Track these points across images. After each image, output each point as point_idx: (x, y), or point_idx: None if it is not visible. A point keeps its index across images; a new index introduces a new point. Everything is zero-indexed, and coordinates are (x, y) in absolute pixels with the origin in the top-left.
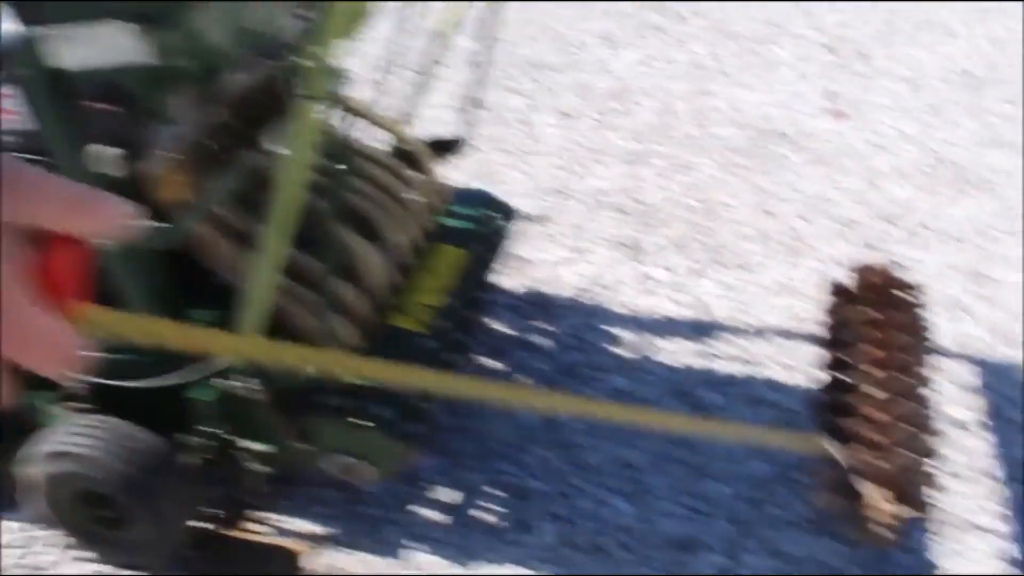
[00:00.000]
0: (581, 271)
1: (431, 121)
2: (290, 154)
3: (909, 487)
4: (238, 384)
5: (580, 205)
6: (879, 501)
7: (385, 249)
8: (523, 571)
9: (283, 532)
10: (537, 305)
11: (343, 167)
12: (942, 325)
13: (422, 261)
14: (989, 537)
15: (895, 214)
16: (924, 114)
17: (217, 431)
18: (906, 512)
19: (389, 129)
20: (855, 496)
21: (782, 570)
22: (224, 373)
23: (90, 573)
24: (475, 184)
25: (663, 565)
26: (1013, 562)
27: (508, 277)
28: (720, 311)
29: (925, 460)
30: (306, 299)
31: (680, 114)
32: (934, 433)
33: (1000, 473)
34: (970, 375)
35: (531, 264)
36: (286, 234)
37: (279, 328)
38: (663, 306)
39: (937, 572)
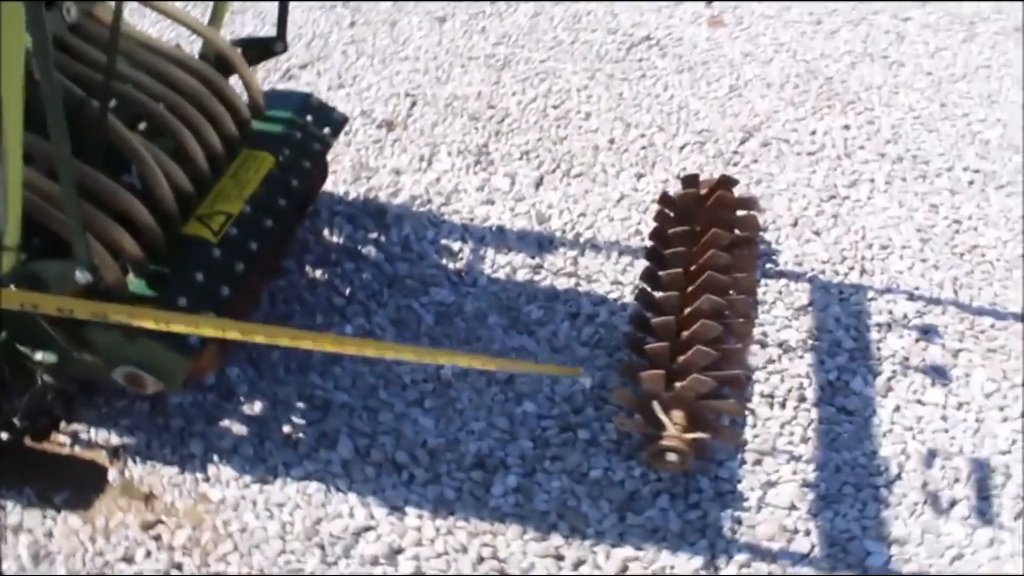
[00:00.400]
0: (423, 179)
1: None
2: (3, 56)
3: (704, 412)
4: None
5: (433, 111)
6: (671, 425)
7: (181, 156)
8: (316, 485)
9: (89, 444)
10: (372, 214)
11: (123, 69)
12: (787, 244)
13: (227, 167)
14: (795, 463)
15: (754, 126)
16: (806, 25)
17: None
18: (697, 437)
19: (198, 31)
20: (653, 420)
21: (576, 491)
22: None
23: None
24: (330, 89)
25: (458, 483)
26: (813, 487)
27: (346, 184)
28: (558, 223)
29: (724, 383)
30: (72, 207)
31: (554, 18)
32: (739, 355)
33: (811, 396)
34: (805, 296)
35: (372, 171)
36: (19, 138)
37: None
38: (501, 216)
39: (738, 496)
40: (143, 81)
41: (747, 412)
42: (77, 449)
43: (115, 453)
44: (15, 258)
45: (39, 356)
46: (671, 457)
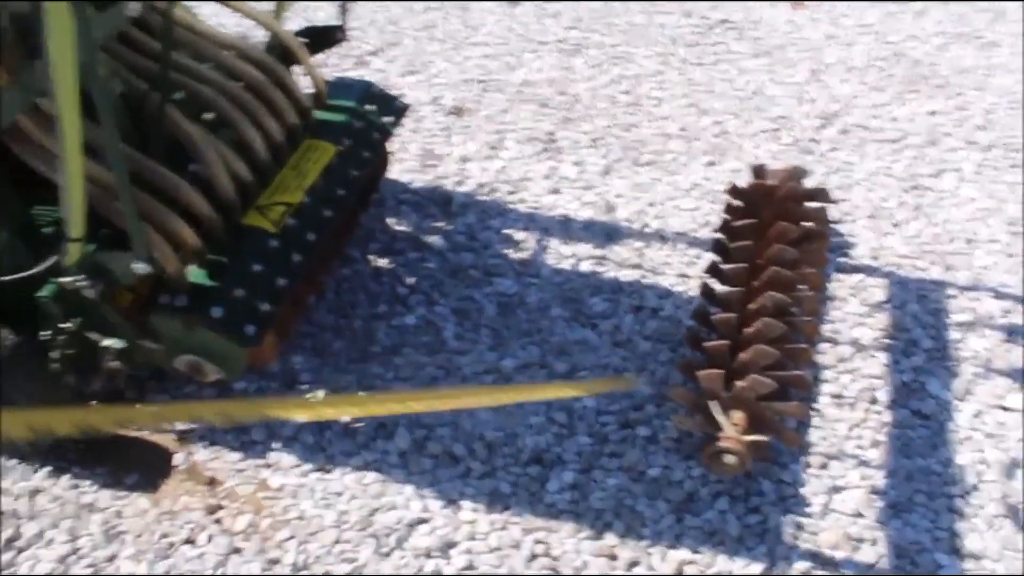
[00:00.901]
0: (490, 167)
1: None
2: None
3: (765, 413)
4: (69, 281)
5: (502, 97)
6: (728, 426)
7: (242, 146)
8: (373, 475)
9: (158, 429)
10: (438, 202)
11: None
12: (864, 237)
13: (289, 157)
14: (863, 468)
15: (833, 112)
16: (894, 4)
17: (66, 327)
18: (757, 439)
19: (261, 22)
20: (711, 420)
21: (633, 490)
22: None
23: None
24: (401, 76)
25: (514, 477)
26: (882, 495)
27: (413, 172)
28: (625, 212)
29: (787, 384)
30: (136, 199)
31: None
32: (805, 356)
33: (884, 397)
34: (881, 292)
35: (439, 159)
36: (76, 132)
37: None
38: (567, 205)
39: (801, 501)
40: (204, 73)
41: (813, 413)
42: (147, 433)
43: (182, 438)
44: (81, 250)
45: (107, 342)
46: (728, 459)
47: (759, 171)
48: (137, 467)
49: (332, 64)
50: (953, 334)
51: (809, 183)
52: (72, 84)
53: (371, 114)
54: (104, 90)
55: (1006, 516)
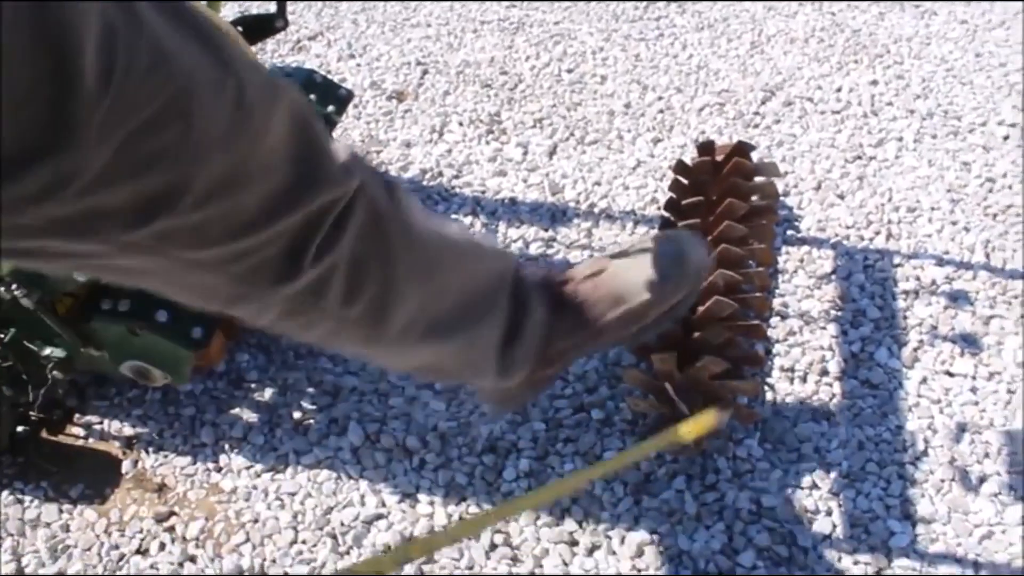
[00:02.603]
0: (433, 151)
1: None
2: None
3: (719, 391)
4: (4, 290)
5: (444, 79)
6: (682, 406)
7: None
8: (327, 473)
9: (102, 436)
10: None
11: None
12: (810, 209)
13: None
14: (817, 439)
15: (776, 84)
16: None
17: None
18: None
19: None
20: (666, 400)
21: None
22: None
23: None
24: (340, 60)
25: (470, 467)
26: (835, 466)
27: None
28: (572, 193)
29: (740, 362)
30: None
31: None
32: (757, 332)
33: (834, 369)
34: (828, 264)
35: (382, 144)
36: None
37: None
38: (514, 188)
39: (757, 476)
40: None
41: (766, 388)
42: (91, 441)
43: (128, 444)
44: None
45: (47, 351)
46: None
47: (705, 147)
48: (83, 477)
49: (269, 50)
50: (899, 303)
51: (755, 156)
52: None
53: (314, 103)
54: None
55: (954, 480)
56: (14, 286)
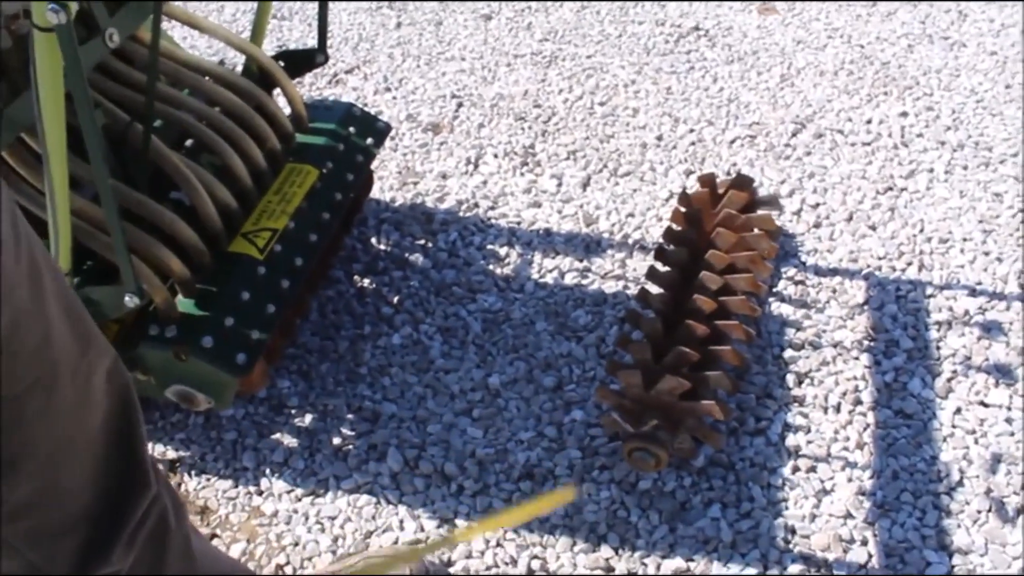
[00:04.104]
0: (469, 183)
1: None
2: (41, 85)
3: (685, 413)
4: None
5: (479, 112)
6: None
7: (225, 173)
8: (367, 497)
9: None
10: (419, 220)
11: (166, 90)
12: (842, 240)
13: (272, 183)
14: (850, 470)
15: (807, 116)
16: (861, 7)
17: None
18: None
19: (239, 47)
20: (631, 419)
21: (626, 502)
22: None
23: None
24: (376, 93)
25: (507, 493)
26: (870, 495)
27: (392, 190)
28: (606, 224)
29: (710, 385)
30: (116, 232)
31: (600, 11)
32: (729, 356)
33: (868, 399)
34: (860, 294)
35: (419, 176)
36: (63, 167)
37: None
38: (549, 219)
39: (791, 505)
40: (185, 100)
41: (800, 418)
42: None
43: (171, 467)
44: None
45: None
46: (642, 456)
47: (706, 179)
48: None
49: (307, 83)
50: (932, 333)
51: (785, 188)
52: (60, 117)
53: (353, 136)
54: (94, 123)
55: (990, 510)
56: None
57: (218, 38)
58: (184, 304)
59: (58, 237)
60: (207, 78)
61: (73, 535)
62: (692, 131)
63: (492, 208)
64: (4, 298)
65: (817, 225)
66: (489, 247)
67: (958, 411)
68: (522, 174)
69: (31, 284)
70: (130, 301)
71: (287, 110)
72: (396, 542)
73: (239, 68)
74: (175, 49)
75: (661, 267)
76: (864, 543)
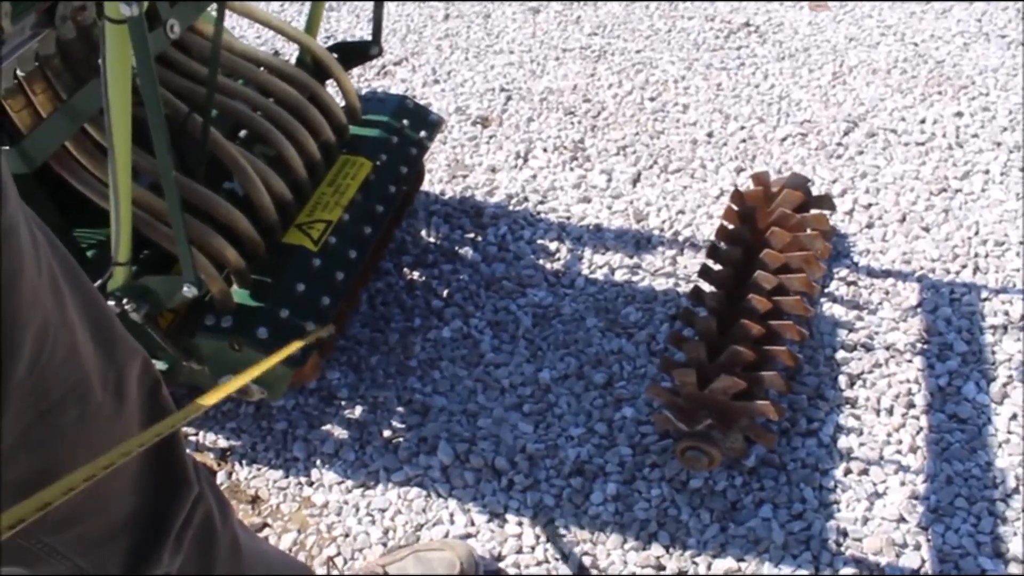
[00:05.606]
0: (519, 177)
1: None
2: (109, 76)
3: (738, 412)
4: (115, 305)
5: (528, 106)
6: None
7: (280, 164)
8: (417, 490)
9: (198, 447)
10: (469, 213)
11: (222, 81)
12: (895, 241)
13: (326, 174)
14: (903, 474)
15: (859, 115)
16: (915, 4)
17: None
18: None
19: (294, 38)
20: (685, 417)
21: (676, 500)
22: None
23: None
24: (425, 86)
25: (558, 489)
26: (923, 500)
27: (442, 183)
28: (656, 221)
29: (763, 385)
30: (177, 223)
31: (649, 6)
32: (783, 355)
33: (921, 402)
34: (914, 296)
35: (468, 169)
36: (127, 157)
37: (155, 252)
38: (599, 215)
39: (844, 507)
40: (240, 91)
41: (852, 420)
42: (188, 452)
43: (223, 456)
44: (127, 273)
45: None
46: (695, 455)
47: (759, 178)
48: None
49: (356, 74)
50: (987, 337)
51: (836, 188)
52: (127, 109)
53: (406, 129)
54: (162, 114)
55: None
56: (125, 301)
57: (273, 29)
58: (239, 295)
59: (119, 227)
60: (262, 69)
61: (120, 539)
62: (743, 128)
63: (542, 203)
64: (28, 310)
65: (870, 225)
66: (539, 242)
67: (1014, 417)
68: (572, 169)
69: (54, 295)
70: (188, 291)
71: (341, 102)
72: (447, 535)
73: (292, 60)
74: (231, 40)
75: (714, 265)
76: (917, 548)
